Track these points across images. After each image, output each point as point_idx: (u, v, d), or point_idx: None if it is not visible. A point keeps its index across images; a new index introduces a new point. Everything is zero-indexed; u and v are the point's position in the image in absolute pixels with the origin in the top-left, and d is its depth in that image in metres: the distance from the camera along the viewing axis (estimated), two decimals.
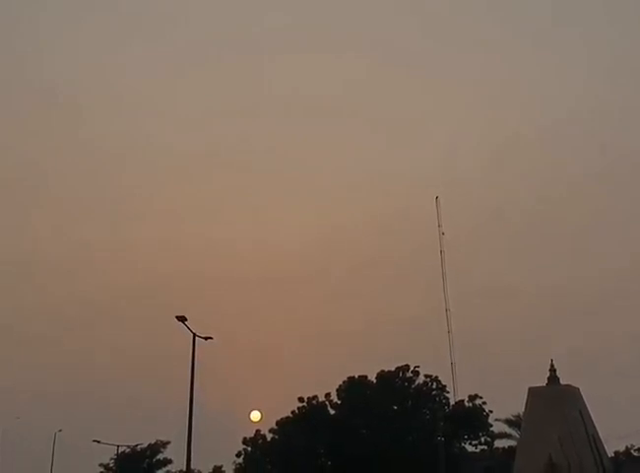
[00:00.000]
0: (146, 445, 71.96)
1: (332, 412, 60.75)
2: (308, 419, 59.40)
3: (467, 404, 59.51)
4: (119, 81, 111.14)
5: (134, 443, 70.65)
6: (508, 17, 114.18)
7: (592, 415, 32.52)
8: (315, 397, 61.07)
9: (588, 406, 32.69)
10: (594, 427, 32.03)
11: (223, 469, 70.18)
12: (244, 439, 61.67)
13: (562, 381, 33.55)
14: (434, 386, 61.16)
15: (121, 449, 68.70)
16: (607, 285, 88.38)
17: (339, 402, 60.78)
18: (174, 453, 68.33)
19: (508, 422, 53.02)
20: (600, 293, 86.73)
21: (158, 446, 72.38)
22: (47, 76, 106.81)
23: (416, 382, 61.11)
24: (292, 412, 60.92)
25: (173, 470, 72.45)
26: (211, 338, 35.32)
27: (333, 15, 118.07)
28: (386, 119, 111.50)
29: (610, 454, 40.58)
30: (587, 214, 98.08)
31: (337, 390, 61.05)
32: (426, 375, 61.18)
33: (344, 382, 61.09)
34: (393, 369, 61.12)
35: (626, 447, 60.20)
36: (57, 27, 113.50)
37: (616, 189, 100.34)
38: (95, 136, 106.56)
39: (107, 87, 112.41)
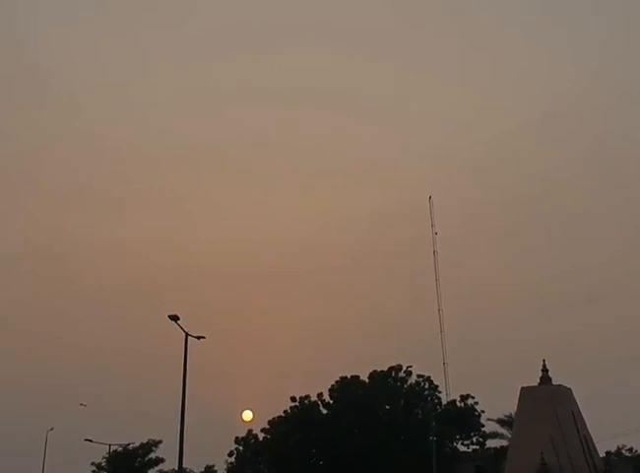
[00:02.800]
0: (138, 444, 71.70)
1: (324, 412, 60.75)
2: (300, 418, 59.38)
3: (459, 404, 59.66)
4: (120, 69, 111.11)
5: (126, 442, 70.50)
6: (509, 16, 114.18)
7: (583, 415, 32.61)
8: (307, 397, 61.07)
9: (579, 406, 32.78)
10: (585, 427, 32.11)
11: (215, 468, 70.04)
12: (236, 438, 61.70)
13: (554, 381, 33.62)
14: (426, 386, 61.23)
15: (113, 448, 68.49)
16: (602, 285, 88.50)
17: (331, 402, 60.79)
18: (166, 452, 68.08)
19: (500, 422, 53.10)
20: (594, 294, 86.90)
21: (150, 445, 72.03)
22: (45, 64, 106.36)
23: (409, 382, 61.19)
24: (285, 411, 60.91)
25: (165, 469, 72.32)
26: (203, 337, 35.26)
27: (332, 9, 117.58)
28: (380, 115, 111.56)
29: (602, 454, 40.69)
30: (585, 213, 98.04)
31: (329, 390, 61.05)
32: (419, 375, 61.27)
33: (336, 382, 61.10)
34: (385, 368, 61.19)
35: (617, 447, 60.45)
36: (57, 14, 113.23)
37: (616, 188, 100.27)
38: (92, 126, 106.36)
39: (108, 76, 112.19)
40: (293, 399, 61.02)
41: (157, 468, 72.85)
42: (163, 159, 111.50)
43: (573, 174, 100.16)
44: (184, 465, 35.83)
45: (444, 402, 60.97)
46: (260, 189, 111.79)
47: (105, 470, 70.16)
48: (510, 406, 42.39)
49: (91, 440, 63.29)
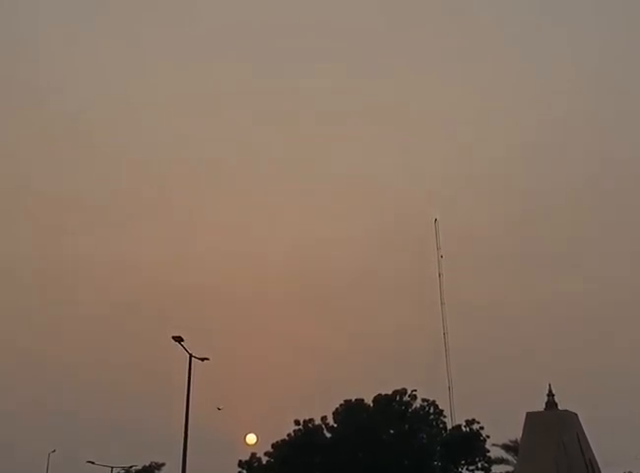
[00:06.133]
0: (140, 467, 71.52)
1: (328, 435, 60.41)
2: (304, 442, 59.04)
3: (464, 429, 59.28)
4: (120, 80, 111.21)
5: (129, 465, 70.27)
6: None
7: (589, 440, 32.31)
8: (311, 420, 60.75)
9: (585, 431, 32.49)
10: (590, 450, 31.78)
11: None
12: (240, 461, 61.18)
13: (561, 405, 33.34)
14: (431, 411, 60.93)
15: (116, 471, 68.36)
16: (606, 305, 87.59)
17: (335, 425, 60.47)
18: None
19: (505, 447, 52.81)
20: (598, 314, 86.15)
21: (152, 468, 71.92)
22: (43, 74, 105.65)
23: (414, 406, 60.86)
24: (288, 435, 60.58)
25: None
26: (207, 359, 35.36)
27: (333, 16, 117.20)
28: (380, 119, 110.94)
29: None
30: (595, 230, 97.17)
31: (333, 413, 60.77)
32: (424, 399, 61.00)
33: (340, 405, 60.83)
34: (390, 392, 60.92)
35: None
36: (56, 15, 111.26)
37: (626, 203, 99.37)
38: (95, 141, 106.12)
39: (108, 77, 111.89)
40: (297, 422, 60.70)
41: None
42: (169, 175, 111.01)
43: (581, 191, 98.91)
44: None
45: (449, 427, 60.66)
46: (261, 203, 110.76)
47: None
48: (516, 431, 42.10)
49: (93, 463, 63.24)
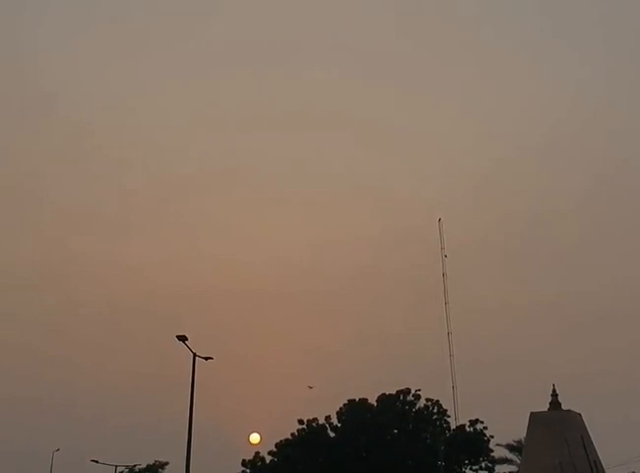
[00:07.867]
0: (144, 466, 71.43)
1: (332, 435, 60.40)
2: (308, 442, 59.03)
3: (468, 429, 59.20)
4: (125, 88, 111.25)
5: (132, 464, 70.21)
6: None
7: (593, 440, 32.27)
8: (315, 420, 60.74)
9: (589, 431, 32.46)
10: (595, 452, 31.72)
11: None
12: (243, 461, 61.19)
13: (564, 405, 33.30)
14: (435, 410, 60.88)
15: (119, 470, 68.17)
16: (606, 308, 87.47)
17: (339, 425, 60.45)
18: None
19: (509, 447, 52.77)
20: (600, 316, 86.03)
21: (156, 467, 71.81)
22: (48, 81, 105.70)
23: (417, 406, 60.84)
24: (292, 434, 60.57)
25: None
26: (211, 358, 35.31)
27: (326, 28, 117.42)
28: (380, 132, 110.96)
29: None
30: (596, 231, 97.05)
31: (337, 413, 60.76)
32: (427, 399, 60.95)
33: (344, 405, 60.83)
34: (394, 392, 60.90)
35: None
36: (60, 33, 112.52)
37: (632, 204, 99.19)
38: (99, 144, 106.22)
39: (114, 94, 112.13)
40: (301, 422, 60.71)
41: None
42: (172, 178, 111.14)
43: (581, 193, 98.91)
44: None
45: (453, 427, 60.60)
46: (267, 209, 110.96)
47: None
48: (520, 431, 42.06)
49: (97, 461, 63.13)
